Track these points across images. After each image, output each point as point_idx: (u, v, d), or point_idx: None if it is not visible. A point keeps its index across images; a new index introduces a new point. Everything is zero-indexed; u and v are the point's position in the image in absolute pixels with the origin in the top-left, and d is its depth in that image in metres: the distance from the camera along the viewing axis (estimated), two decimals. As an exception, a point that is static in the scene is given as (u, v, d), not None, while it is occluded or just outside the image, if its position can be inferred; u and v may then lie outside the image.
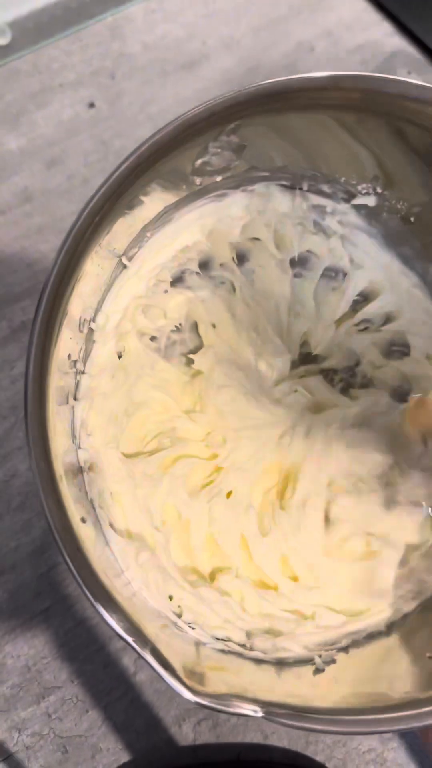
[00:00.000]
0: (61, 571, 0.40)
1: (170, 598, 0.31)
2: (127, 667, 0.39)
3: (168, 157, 0.28)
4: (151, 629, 0.24)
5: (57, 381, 0.27)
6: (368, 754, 0.38)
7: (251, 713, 0.23)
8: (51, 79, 0.54)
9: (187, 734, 0.38)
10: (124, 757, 0.37)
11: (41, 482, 0.23)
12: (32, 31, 0.55)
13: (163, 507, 0.35)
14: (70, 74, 0.55)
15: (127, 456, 0.35)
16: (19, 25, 0.55)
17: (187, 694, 0.22)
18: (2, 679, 0.38)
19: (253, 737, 0.38)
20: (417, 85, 0.27)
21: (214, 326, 0.39)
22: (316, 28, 0.57)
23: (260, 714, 0.23)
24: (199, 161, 0.32)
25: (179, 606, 0.31)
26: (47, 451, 0.24)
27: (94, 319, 0.33)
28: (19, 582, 0.40)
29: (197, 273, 0.37)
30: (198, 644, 0.30)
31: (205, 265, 0.37)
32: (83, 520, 0.28)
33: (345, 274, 0.39)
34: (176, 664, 0.23)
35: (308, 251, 0.39)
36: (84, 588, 0.23)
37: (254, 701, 0.23)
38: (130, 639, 0.23)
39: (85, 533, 0.27)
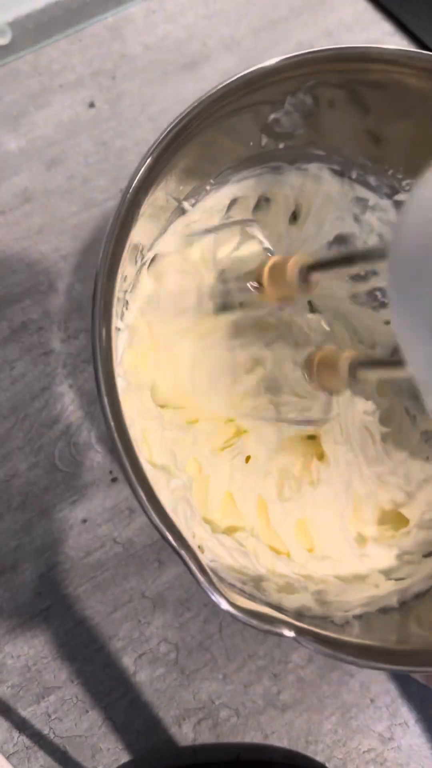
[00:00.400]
0: (62, 571, 0.41)
1: (193, 535, 0.31)
2: (127, 667, 0.39)
3: (258, 92, 0.29)
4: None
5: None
6: (368, 753, 0.38)
7: (285, 632, 0.22)
8: (51, 79, 0.54)
9: (186, 734, 0.38)
10: (124, 757, 0.37)
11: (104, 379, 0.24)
12: (32, 31, 0.55)
13: (186, 457, 0.35)
14: (70, 75, 0.55)
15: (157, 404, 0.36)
16: (19, 26, 0.55)
17: (224, 604, 0.22)
18: (2, 678, 0.38)
19: (253, 737, 0.38)
20: None
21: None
22: (316, 28, 0.57)
23: (292, 634, 0.22)
24: (272, 116, 0.32)
25: (200, 546, 0.31)
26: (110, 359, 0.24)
27: (144, 253, 0.34)
28: (19, 582, 0.40)
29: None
30: (220, 580, 0.29)
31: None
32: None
33: (375, 274, 0.40)
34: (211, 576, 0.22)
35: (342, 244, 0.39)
36: (132, 479, 0.23)
37: (286, 623, 0.22)
38: (171, 537, 0.22)
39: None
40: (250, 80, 0.28)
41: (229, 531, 0.35)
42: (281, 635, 0.22)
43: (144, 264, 0.35)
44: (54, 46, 0.56)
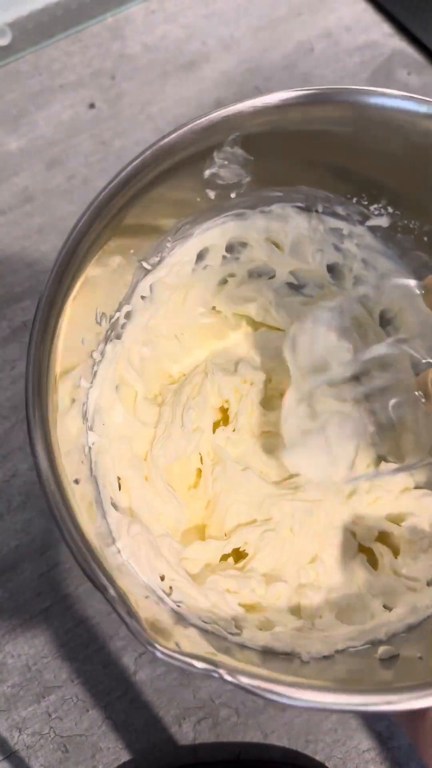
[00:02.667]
0: (62, 571, 0.41)
1: (162, 578, 0.31)
2: (127, 667, 0.39)
3: (174, 160, 0.29)
4: (131, 595, 0.24)
5: (73, 360, 0.30)
6: (368, 753, 0.38)
7: (211, 670, 0.22)
8: (51, 79, 0.54)
9: (187, 733, 0.38)
10: (124, 756, 0.37)
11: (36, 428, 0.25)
12: (32, 31, 0.55)
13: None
14: (70, 75, 0.55)
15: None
16: (20, 26, 0.55)
17: (144, 638, 0.22)
18: (3, 678, 0.38)
19: (253, 736, 0.38)
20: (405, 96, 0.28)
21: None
22: (315, 28, 0.57)
23: (221, 673, 0.22)
24: (208, 172, 0.32)
25: (170, 587, 0.31)
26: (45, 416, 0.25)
27: (117, 312, 0.35)
28: (19, 581, 0.40)
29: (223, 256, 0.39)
30: (181, 620, 0.29)
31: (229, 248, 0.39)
32: (76, 482, 0.28)
33: (369, 299, 0.40)
34: (142, 615, 0.23)
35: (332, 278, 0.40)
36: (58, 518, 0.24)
37: (220, 664, 0.22)
38: (98, 575, 0.23)
39: (80, 493, 0.28)
40: (163, 151, 0.29)
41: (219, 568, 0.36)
42: (211, 675, 0.22)
43: (116, 326, 0.35)
44: (54, 46, 0.56)
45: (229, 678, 0.22)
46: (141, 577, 0.30)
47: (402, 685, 0.23)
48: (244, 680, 0.22)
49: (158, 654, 0.22)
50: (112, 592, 0.23)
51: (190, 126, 0.29)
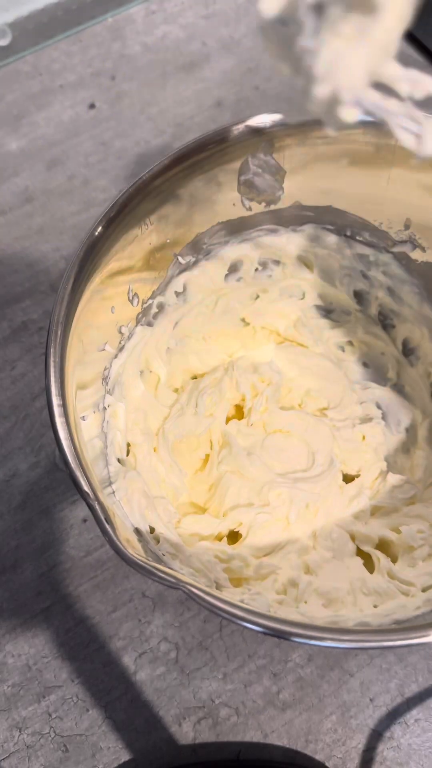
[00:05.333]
0: (62, 571, 0.41)
1: (151, 530, 0.32)
2: (127, 666, 0.39)
3: (210, 155, 0.31)
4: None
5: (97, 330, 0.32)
6: (368, 753, 0.38)
7: (174, 582, 0.22)
8: (51, 80, 0.54)
9: (187, 733, 0.38)
10: (125, 756, 0.37)
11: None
12: (33, 32, 0.55)
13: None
14: (70, 75, 0.55)
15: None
16: (20, 26, 0.55)
17: (114, 543, 0.23)
18: (3, 678, 0.38)
19: (253, 736, 0.38)
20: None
21: None
22: (315, 29, 0.57)
23: (184, 586, 0.22)
24: (243, 177, 0.34)
25: (158, 539, 0.32)
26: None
27: (150, 299, 0.37)
28: (19, 581, 0.40)
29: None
30: (161, 563, 0.30)
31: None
32: (83, 418, 0.30)
33: (394, 327, 0.41)
34: (120, 532, 0.24)
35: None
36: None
37: (186, 583, 0.23)
38: (83, 485, 0.24)
39: (85, 426, 0.30)
40: (218, 135, 0.31)
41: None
42: (172, 586, 0.22)
43: (148, 312, 0.37)
44: (54, 46, 0.56)
45: (195, 592, 0.22)
46: (130, 520, 0.31)
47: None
48: (208, 598, 0.22)
49: (127, 555, 0.23)
50: (93, 500, 0.24)
51: (246, 122, 0.31)
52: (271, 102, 0.54)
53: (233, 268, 0.39)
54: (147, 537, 0.31)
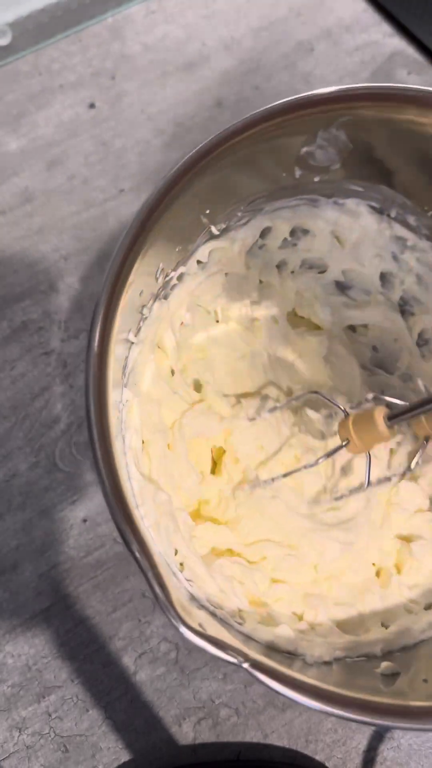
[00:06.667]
0: (62, 571, 0.41)
1: (176, 552, 0.31)
2: (127, 667, 0.39)
3: (288, 123, 0.29)
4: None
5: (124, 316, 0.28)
6: (368, 753, 0.38)
7: (235, 661, 0.21)
8: (51, 79, 0.54)
9: (187, 733, 0.38)
10: (125, 756, 0.37)
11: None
12: (32, 31, 0.55)
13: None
14: (70, 75, 0.55)
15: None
16: (20, 26, 0.55)
17: (179, 625, 0.21)
18: (3, 678, 0.38)
19: (253, 736, 0.38)
20: None
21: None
22: (315, 29, 0.57)
23: (245, 665, 0.21)
24: (305, 149, 0.32)
25: (182, 563, 0.31)
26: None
27: (172, 272, 0.34)
28: (19, 582, 0.40)
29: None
30: (193, 600, 0.29)
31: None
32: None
33: (413, 315, 0.40)
34: (172, 595, 0.22)
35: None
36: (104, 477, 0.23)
37: (241, 653, 0.22)
38: (136, 550, 0.22)
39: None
40: (274, 112, 0.29)
41: (226, 553, 0.35)
42: (235, 664, 0.21)
43: (167, 285, 0.35)
44: (54, 46, 0.56)
45: (256, 674, 0.22)
46: (157, 547, 0.29)
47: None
48: (271, 683, 0.22)
49: (183, 631, 0.21)
50: (145, 562, 0.22)
51: (318, 91, 0.29)
52: (271, 102, 0.54)
53: (262, 234, 0.37)
54: (174, 568, 0.30)
